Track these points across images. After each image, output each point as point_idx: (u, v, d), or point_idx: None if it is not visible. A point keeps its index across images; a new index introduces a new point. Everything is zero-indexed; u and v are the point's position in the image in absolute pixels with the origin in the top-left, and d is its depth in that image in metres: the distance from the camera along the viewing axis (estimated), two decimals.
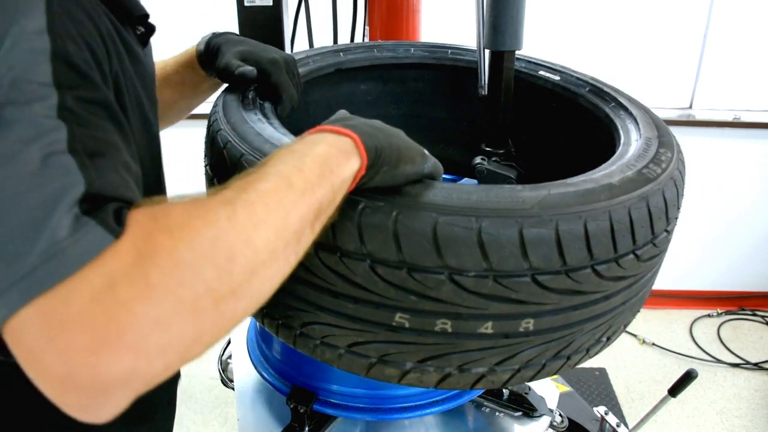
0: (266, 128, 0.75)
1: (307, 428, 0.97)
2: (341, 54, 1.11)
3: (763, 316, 3.17)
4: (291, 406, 0.97)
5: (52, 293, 0.40)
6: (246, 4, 1.61)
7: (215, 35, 0.96)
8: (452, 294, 0.60)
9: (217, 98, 0.89)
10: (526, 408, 1.04)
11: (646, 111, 0.93)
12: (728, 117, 2.91)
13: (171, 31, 2.89)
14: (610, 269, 0.65)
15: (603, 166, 0.74)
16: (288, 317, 0.70)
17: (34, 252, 0.41)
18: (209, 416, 2.56)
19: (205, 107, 0.99)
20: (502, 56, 0.96)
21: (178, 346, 0.42)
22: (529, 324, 0.64)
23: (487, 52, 0.98)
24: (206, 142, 0.82)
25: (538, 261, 0.60)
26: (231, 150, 0.72)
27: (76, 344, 0.39)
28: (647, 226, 0.67)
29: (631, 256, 0.66)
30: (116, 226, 0.43)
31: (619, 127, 0.90)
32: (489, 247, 0.59)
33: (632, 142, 0.83)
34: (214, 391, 2.68)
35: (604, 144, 0.91)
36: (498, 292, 0.61)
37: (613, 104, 0.96)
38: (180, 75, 1.00)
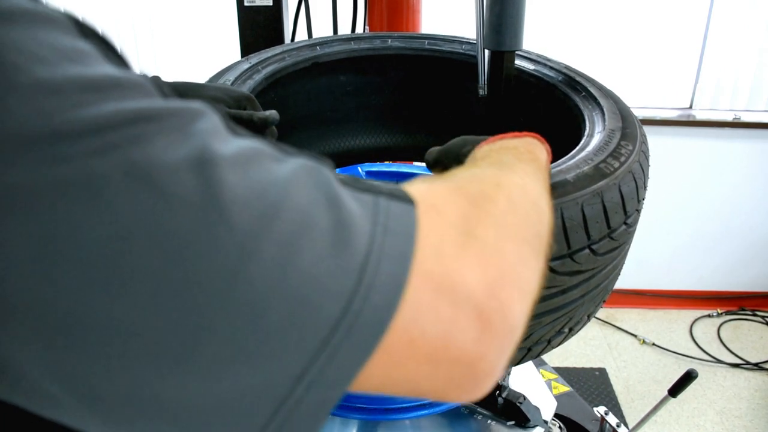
0: None
1: None
2: (318, 48, 1.11)
3: (763, 316, 3.17)
4: None
5: (414, 275, 0.33)
6: (246, 4, 1.61)
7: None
8: None
9: None
10: (519, 418, 1.03)
11: (615, 101, 0.91)
12: (728, 117, 2.91)
13: (171, 32, 2.90)
14: (564, 264, 0.66)
15: (562, 160, 0.75)
16: None
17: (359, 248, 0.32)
18: None
19: None
20: (502, 56, 0.96)
21: (534, 285, 0.40)
22: None
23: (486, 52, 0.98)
24: None
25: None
26: None
27: (474, 294, 0.34)
28: (602, 221, 0.68)
29: (587, 251, 0.67)
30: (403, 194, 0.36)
31: (586, 117, 0.89)
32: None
33: (595, 134, 0.83)
34: None
35: (573, 135, 0.91)
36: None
37: (583, 94, 0.95)
38: None
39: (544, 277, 0.61)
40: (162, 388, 0.28)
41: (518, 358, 0.76)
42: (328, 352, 0.30)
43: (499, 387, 1.03)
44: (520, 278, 0.38)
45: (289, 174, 0.32)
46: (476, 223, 0.37)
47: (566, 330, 0.78)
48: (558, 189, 0.67)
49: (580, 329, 0.82)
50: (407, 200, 0.35)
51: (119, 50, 0.35)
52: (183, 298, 0.27)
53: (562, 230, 0.65)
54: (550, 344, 0.77)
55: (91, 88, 0.29)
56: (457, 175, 0.45)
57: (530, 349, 0.75)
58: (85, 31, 0.33)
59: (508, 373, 1.04)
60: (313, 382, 0.30)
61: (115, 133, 0.28)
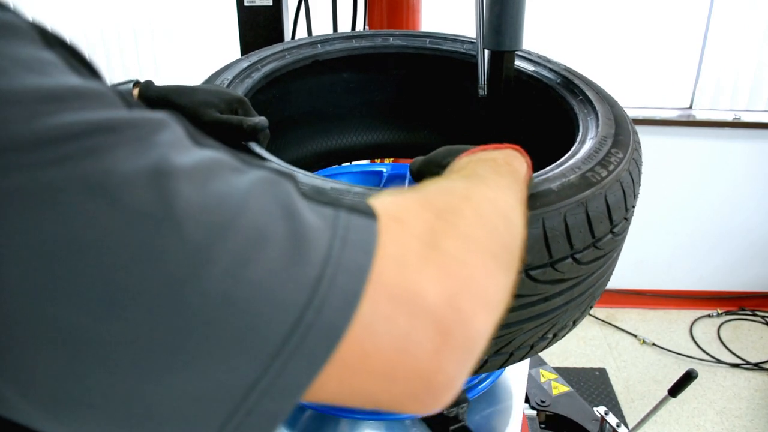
0: None
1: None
2: (319, 45, 1.11)
3: (763, 316, 3.17)
4: None
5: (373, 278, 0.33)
6: (246, 4, 1.61)
7: (144, 88, 0.79)
8: None
9: None
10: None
11: (612, 106, 0.91)
12: (728, 117, 2.91)
13: (171, 32, 2.90)
14: (546, 273, 0.66)
15: (549, 168, 0.74)
16: None
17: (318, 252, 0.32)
18: None
19: None
20: (502, 56, 0.96)
21: (500, 297, 0.40)
22: None
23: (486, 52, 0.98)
24: None
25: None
26: None
27: (433, 306, 0.34)
28: (586, 231, 0.67)
29: (570, 260, 0.67)
30: (366, 207, 0.37)
31: (581, 122, 0.88)
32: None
33: (587, 140, 0.82)
34: None
35: (568, 139, 0.90)
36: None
37: (580, 97, 0.94)
38: None
39: (525, 285, 0.61)
40: (113, 391, 0.29)
41: (500, 363, 0.75)
42: (280, 362, 0.30)
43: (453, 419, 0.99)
44: (485, 291, 0.37)
45: (248, 186, 0.32)
46: (441, 235, 0.37)
47: (550, 336, 0.77)
48: (541, 198, 0.66)
49: (565, 335, 0.81)
50: (369, 213, 0.35)
51: (87, 59, 0.35)
52: (135, 306, 0.28)
53: (543, 240, 0.64)
54: (533, 349, 0.77)
55: (50, 98, 0.29)
56: (427, 188, 0.45)
57: (512, 354, 0.75)
58: (51, 40, 0.33)
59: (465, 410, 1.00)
60: (266, 391, 0.30)
61: (72, 144, 0.28)
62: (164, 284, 0.28)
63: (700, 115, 2.93)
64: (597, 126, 0.84)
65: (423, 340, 0.33)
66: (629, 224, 0.77)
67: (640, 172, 0.81)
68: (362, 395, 0.34)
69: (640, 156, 0.83)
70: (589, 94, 0.93)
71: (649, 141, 2.94)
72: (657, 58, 2.88)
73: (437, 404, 0.37)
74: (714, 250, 3.19)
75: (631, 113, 2.98)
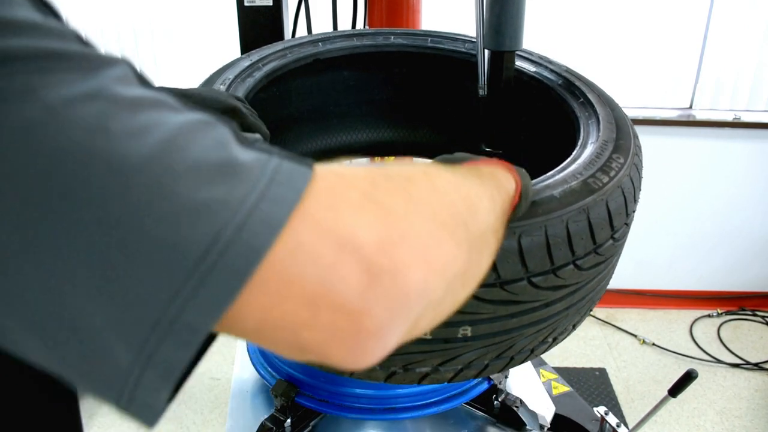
0: None
1: (289, 420, 0.98)
2: (320, 44, 1.11)
3: (763, 316, 3.17)
4: (275, 396, 0.99)
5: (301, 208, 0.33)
6: (246, 4, 1.61)
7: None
8: None
9: None
10: (516, 423, 1.03)
11: (612, 109, 0.90)
12: (728, 117, 2.91)
13: (171, 32, 2.90)
14: (548, 280, 0.66)
15: (551, 173, 0.74)
16: None
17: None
18: (209, 416, 2.57)
19: None
20: (501, 56, 0.96)
21: (446, 265, 0.38)
22: (466, 331, 0.67)
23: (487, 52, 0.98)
24: None
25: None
26: None
27: (362, 246, 0.33)
28: (587, 238, 0.68)
29: (571, 266, 0.67)
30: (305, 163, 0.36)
31: (582, 126, 0.88)
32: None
33: (588, 144, 0.82)
34: (214, 391, 2.69)
35: (569, 141, 0.90)
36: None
37: (581, 100, 0.94)
38: None
39: (527, 291, 0.61)
40: (33, 297, 0.30)
41: (501, 366, 0.75)
42: (200, 275, 0.30)
43: (496, 390, 1.03)
44: (425, 248, 0.36)
45: (185, 120, 0.33)
46: (384, 192, 0.37)
47: (550, 340, 0.77)
48: (543, 205, 0.66)
49: (564, 338, 0.82)
50: (306, 164, 0.35)
51: (54, 7, 0.36)
52: (58, 213, 0.29)
53: (545, 247, 0.64)
54: (533, 353, 0.77)
55: (7, 25, 0.30)
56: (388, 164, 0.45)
57: (513, 358, 0.75)
58: None
59: (506, 377, 1.04)
60: (186, 304, 0.30)
61: (21, 64, 0.30)
62: (88, 192, 0.29)
63: (700, 115, 2.93)
64: (598, 130, 0.84)
65: (348, 277, 0.33)
66: (629, 229, 0.77)
67: (641, 177, 0.81)
68: (286, 329, 0.34)
69: (641, 160, 0.83)
70: (590, 96, 0.93)
71: (649, 141, 2.94)
72: (657, 58, 2.88)
73: (365, 354, 0.36)
74: (714, 250, 3.19)
75: (631, 113, 2.98)
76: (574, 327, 0.81)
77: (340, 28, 1.83)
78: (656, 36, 2.85)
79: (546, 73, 1.02)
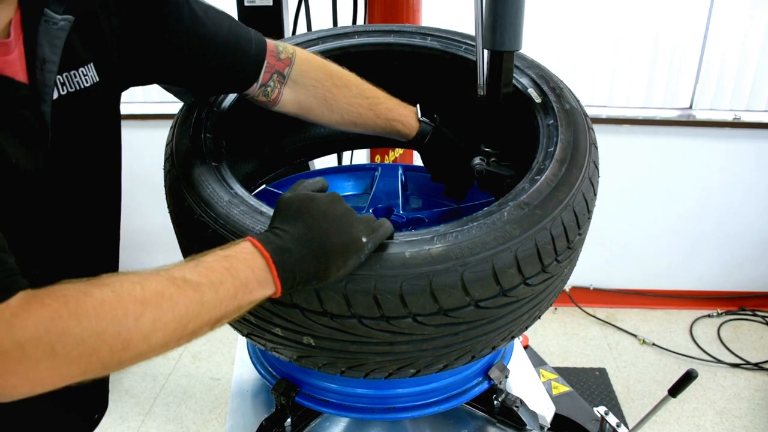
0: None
1: (289, 419, 0.99)
2: (356, 36, 1.17)
3: (763, 316, 3.17)
4: (275, 396, 0.99)
5: None
6: (246, 4, 1.61)
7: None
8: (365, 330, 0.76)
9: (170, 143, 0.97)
10: (516, 422, 1.03)
11: (569, 124, 0.93)
12: (728, 117, 2.91)
13: None
14: (497, 301, 0.76)
15: (499, 202, 0.82)
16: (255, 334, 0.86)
17: None
18: (209, 416, 2.57)
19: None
20: (501, 57, 0.96)
21: (67, 381, 0.55)
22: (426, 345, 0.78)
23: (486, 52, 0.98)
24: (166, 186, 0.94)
25: (415, 308, 0.73)
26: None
27: None
28: (535, 263, 0.77)
29: (522, 286, 0.77)
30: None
31: (539, 143, 0.93)
32: (380, 298, 0.72)
33: (545, 169, 0.87)
34: (214, 391, 2.69)
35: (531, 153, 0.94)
36: (387, 328, 0.75)
37: (552, 122, 0.96)
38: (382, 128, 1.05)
39: (475, 313, 0.76)
40: None
41: (464, 362, 0.86)
42: None
43: (496, 390, 1.03)
44: (40, 381, 0.55)
45: None
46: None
47: (509, 338, 0.88)
48: (488, 241, 0.75)
49: (520, 334, 0.91)
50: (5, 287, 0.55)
51: None
52: None
53: (492, 277, 0.74)
54: (493, 349, 0.88)
55: None
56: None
57: (474, 356, 0.85)
58: None
59: (506, 376, 1.04)
60: None
61: None
62: None
63: (700, 115, 2.93)
64: (554, 148, 0.90)
65: None
66: (573, 250, 0.84)
67: (593, 194, 0.88)
68: None
69: (595, 174, 0.90)
70: (556, 106, 0.97)
71: (649, 141, 2.94)
72: (657, 58, 2.88)
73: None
74: (714, 250, 3.19)
75: (631, 113, 2.98)
76: (527, 327, 0.90)
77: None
78: (656, 36, 2.84)
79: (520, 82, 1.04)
